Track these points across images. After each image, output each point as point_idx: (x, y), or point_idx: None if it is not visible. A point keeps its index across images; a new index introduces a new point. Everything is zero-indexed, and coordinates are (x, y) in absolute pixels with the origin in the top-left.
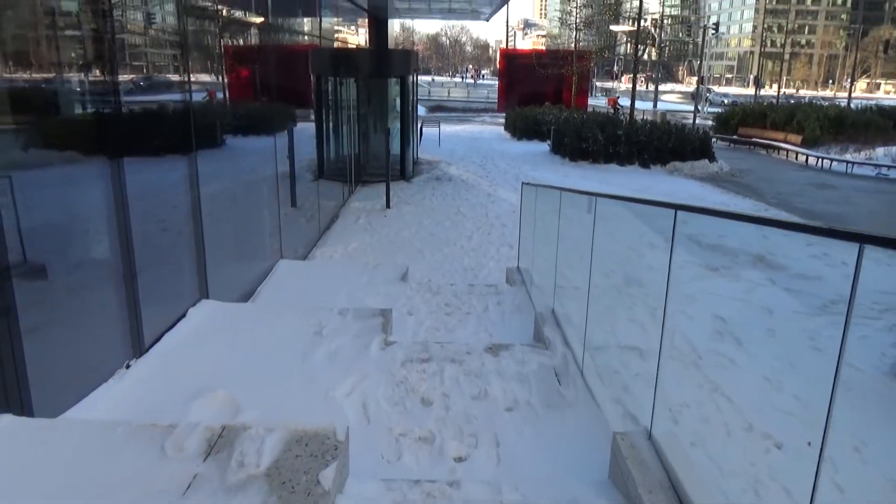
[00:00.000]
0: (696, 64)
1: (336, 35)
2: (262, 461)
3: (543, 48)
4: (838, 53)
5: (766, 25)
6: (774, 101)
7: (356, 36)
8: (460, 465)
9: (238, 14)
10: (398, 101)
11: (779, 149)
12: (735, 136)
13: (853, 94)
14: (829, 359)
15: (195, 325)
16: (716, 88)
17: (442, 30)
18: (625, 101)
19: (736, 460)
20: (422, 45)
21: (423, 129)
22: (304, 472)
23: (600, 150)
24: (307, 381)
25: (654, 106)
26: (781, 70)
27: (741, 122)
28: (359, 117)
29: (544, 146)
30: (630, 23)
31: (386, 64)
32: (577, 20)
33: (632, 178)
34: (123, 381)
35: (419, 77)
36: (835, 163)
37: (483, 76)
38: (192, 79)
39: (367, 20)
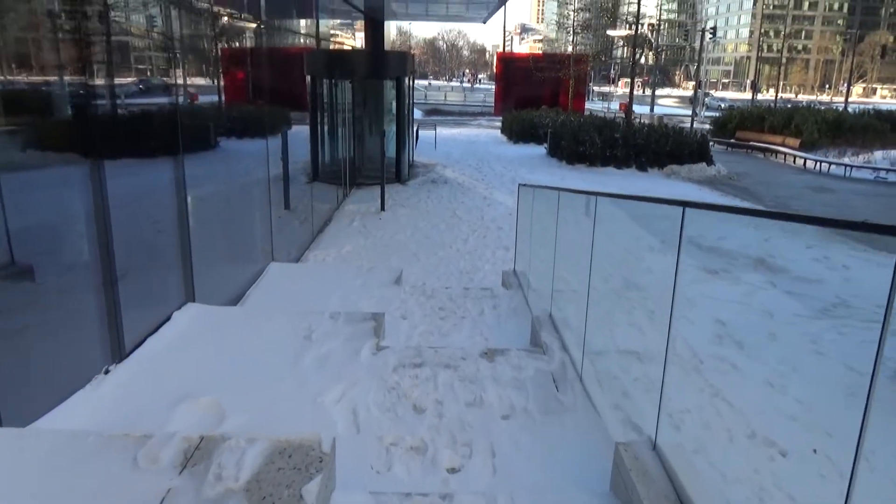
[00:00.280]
0: (692, 69)
1: (332, 39)
2: (242, 474)
3: (540, 52)
4: (835, 58)
5: (763, 30)
6: (772, 105)
7: (353, 40)
8: (454, 476)
9: (233, 16)
10: (394, 103)
11: (776, 152)
12: (733, 140)
13: (849, 99)
14: (832, 363)
15: (180, 328)
16: (713, 93)
17: (439, 34)
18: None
19: (741, 468)
20: (419, 49)
21: (420, 132)
22: (287, 486)
23: (597, 154)
24: (295, 386)
25: (651, 110)
26: (779, 74)
27: (739, 125)
28: (354, 119)
29: (541, 149)
30: (627, 27)
31: (382, 65)
32: (575, 24)
33: (629, 182)
34: (101, 388)
35: (416, 81)
36: (833, 166)
37: (480, 80)
38: (188, 81)
39: (363, 23)
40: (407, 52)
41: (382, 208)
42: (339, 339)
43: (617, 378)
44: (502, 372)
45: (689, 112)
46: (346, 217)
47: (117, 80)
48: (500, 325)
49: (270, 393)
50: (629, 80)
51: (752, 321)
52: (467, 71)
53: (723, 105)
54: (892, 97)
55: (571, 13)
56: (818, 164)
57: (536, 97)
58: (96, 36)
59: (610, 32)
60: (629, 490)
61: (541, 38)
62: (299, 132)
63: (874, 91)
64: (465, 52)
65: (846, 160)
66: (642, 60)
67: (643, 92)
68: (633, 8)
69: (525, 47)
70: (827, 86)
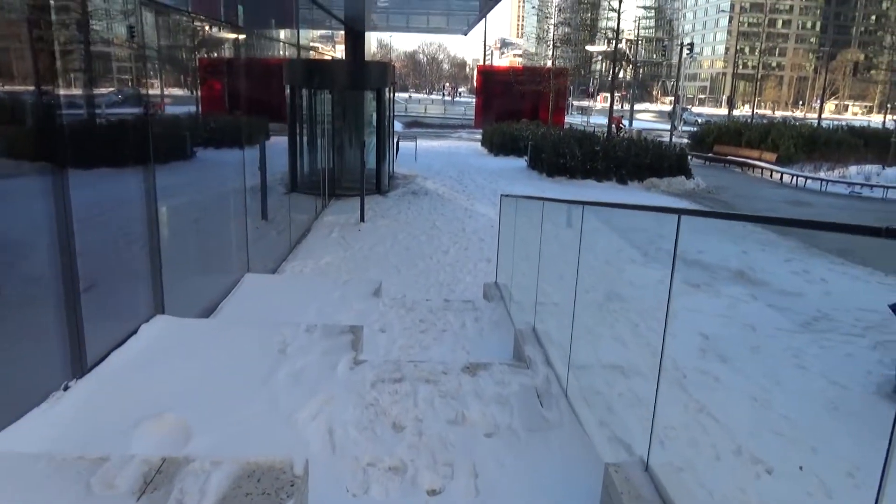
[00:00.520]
0: (669, 84)
1: (312, 51)
2: (206, 500)
3: (520, 66)
4: (808, 75)
5: (738, 47)
6: (748, 120)
7: (334, 52)
8: (434, 499)
9: (212, 26)
10: (374, 114)
11: (754, 166)
12: (710, 154)
13: (822, 115)
14: (814, 376)
15: (147, 342)
16: (691, 108)
17: (419, 47)
18: (601, 120)
19: (728, 487)
20: (399, 62)
21: (400, 143)
22: None
23: (578, 166)
24: (268, 403)
25: (630, 124)
26: (755, 90)
27: (716, 140)
28: (334, 130)
29: (521, 162)
30: (606, 42)
31: (362, 76)
32: (555, 37)
33: (609, 194)
34: (59, 405)
35: (396, 94)
36: (809, 180)
37: (460, 94)
38: (165, 92)
39: (343, 35)
40: (387, 63)
41: (362, 219)
42: (315, 352)
43: (603, 394)
44: (485, 387)
45: (667, 126)
46: (325, 228)
47: (86, 91)
48: (482, 337)
49: (241, 410)
50: (608, 94)
51: (734, 334)
52: (447, 84)
53: (699, 120)
54: (863, 114)
55: (551, 27)
56: (795, 178)
57: (517, 110)
58: (72, 44)
59: (589, 48)
60: None
61: (521, 52)
62: (278, 142)
63: (846, 108)
64: (446, 66)
65: (822, 174)
66: (621, 75)
67: (622, 106)
68: (613, 24)
69: (505, 61)
70: (800, 102)
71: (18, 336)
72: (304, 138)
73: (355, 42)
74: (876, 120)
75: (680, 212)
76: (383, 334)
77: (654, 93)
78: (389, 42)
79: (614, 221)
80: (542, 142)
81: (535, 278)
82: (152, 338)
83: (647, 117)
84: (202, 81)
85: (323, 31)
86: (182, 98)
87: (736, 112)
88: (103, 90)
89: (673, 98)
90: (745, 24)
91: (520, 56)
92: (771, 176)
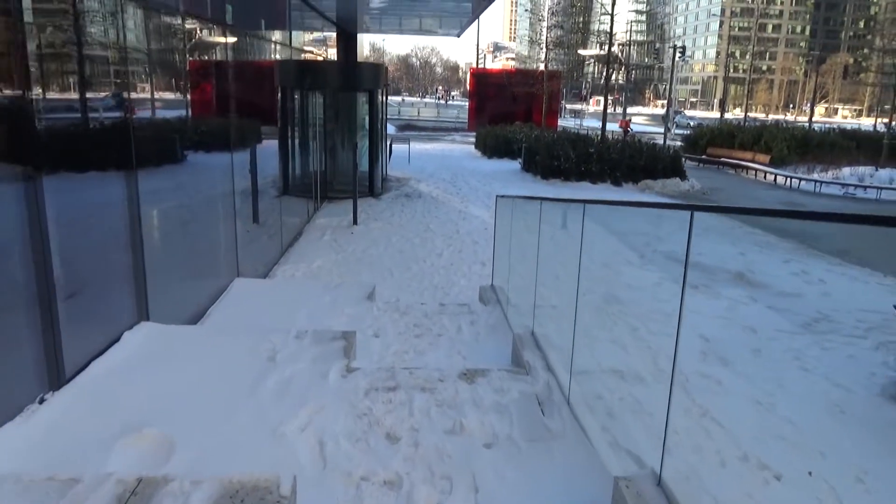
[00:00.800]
0: (661, 88)
1: (304, 54)
2: None
3: (513, 69)
4: (798, 79)
5: (729, 51)
6: (741, 122)
7: (326, 55)
8: None
9: (202, 27)
10: (367, 116)
11: (747, 168)
12: (704, 156)
13: (813, 118)
14: (817, 379)
15: (130, 350)
16: (684, 111)
17: (412, 50)
18: (593, 123)
19: (737, 495)
20: (392, 65)
21: (393, 146)
22: None
23: (572, 168)
24: (255, 415)
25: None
26: (746, 94)
27: (710, 142)
28: (326, 132)
29: (515, 164)
30: (599, 46)
31: (355, 77)
32: (547, 40)
33: (604, 196)
34: (33, 420)
35: (389, 97)
36: (803, 182)
37: (453, 97)
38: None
39: (335, 38)
40: (380, 65)
41: (355, 222)
42: (306, 360)
43: (607, 401)
44: (483, 395)
45: (660, 129)
46: (317, 231)
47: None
48: (479, 342)
49: (226, 423)
50: (601, 97)
51: (735, 336)
52: (440, 87)
53: (692, 123)
54: (853, 117)
55: (544, 30)
56: (788, 179)
57: (510, 113)
58: (52, 46)
59: (581, 52)
60: None
61: (513, 55)
62: (269, 145)
63: (836, 111)
64: (439, 69)
65: (815, 176)
66: (613, 78)
67: (614, 109)
68: (605, 27)
69: (498, 65)
70: (791, 105)
71: None
72: (296, 140)
73: (348, 43)
74: (866, 123)
75: (693, 208)
76: (377, 339)
77: (647, 96)
78: (382, 45)
79: (611, 224)
80: (535, 144)
81: (532, 281)
82: (135, 346)
83: (640, 120)
84: (193, 84)
85: (315, 34)
86: (172, 101)
87: (728, 115)
88: (89, 94)
89: (665, 101)
90: (736, 29)
91: (513, 59)
92: (765, 178)
